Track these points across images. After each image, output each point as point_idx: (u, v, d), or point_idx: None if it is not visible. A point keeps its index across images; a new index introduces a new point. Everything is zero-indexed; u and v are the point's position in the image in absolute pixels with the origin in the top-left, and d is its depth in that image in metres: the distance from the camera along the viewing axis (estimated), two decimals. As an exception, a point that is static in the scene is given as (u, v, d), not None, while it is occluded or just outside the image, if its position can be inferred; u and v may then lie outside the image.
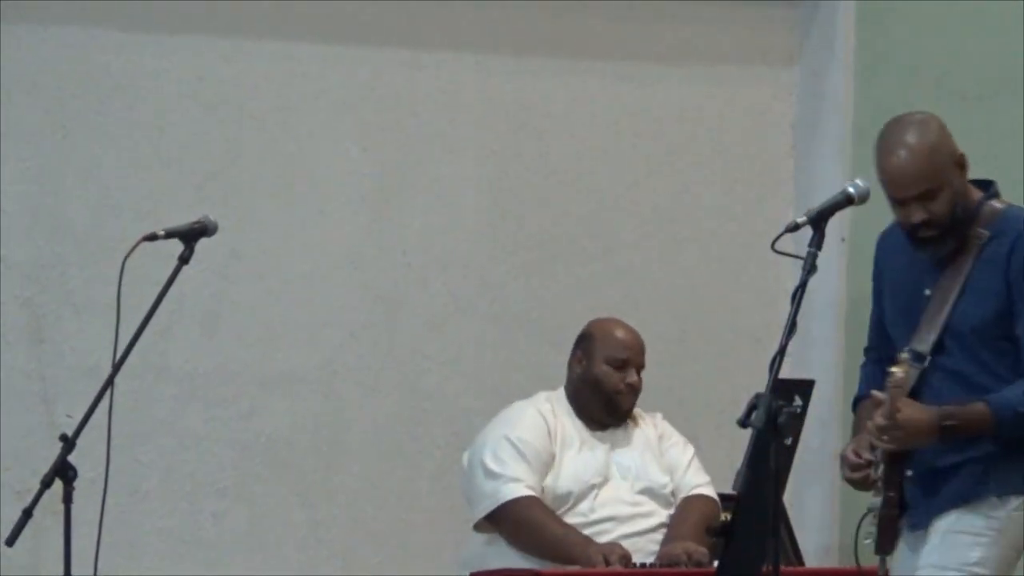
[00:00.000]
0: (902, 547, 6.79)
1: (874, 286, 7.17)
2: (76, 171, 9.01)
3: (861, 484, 6.82)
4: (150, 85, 9.17)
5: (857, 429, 6.94)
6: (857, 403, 7.03)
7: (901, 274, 7.05)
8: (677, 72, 10.86)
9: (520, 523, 8.03)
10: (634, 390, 8.37)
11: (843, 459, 6.94)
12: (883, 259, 7.17)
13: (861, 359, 7.23)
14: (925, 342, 6.80)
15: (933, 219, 6.66)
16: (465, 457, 8.24)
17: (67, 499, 6.50)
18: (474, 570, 8.05)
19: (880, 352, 7.03)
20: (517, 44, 10.17)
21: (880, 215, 7.77)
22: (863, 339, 8.82)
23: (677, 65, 10.89)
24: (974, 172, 7.11)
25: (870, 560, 7.05)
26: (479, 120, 10.05)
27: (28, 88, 8.87)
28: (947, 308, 6.83)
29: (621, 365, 8.37)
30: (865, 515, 6.72)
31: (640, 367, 8.43)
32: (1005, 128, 10.24)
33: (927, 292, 6.88)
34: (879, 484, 6.89)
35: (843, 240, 8.57)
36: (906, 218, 6.77)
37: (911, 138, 6.87)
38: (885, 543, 6.72)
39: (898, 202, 6.86)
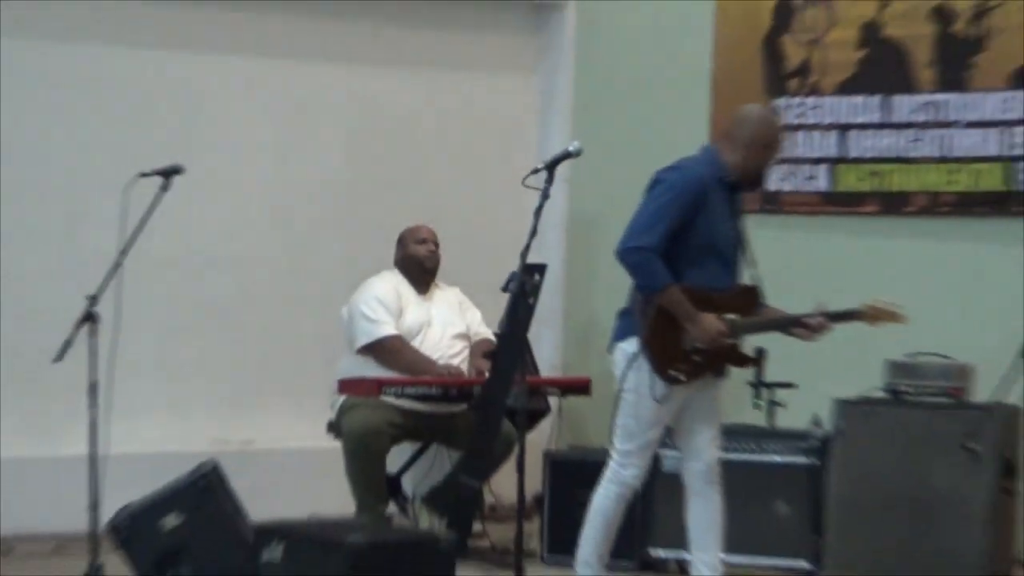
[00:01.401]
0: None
1: (686, 210, 8.31)
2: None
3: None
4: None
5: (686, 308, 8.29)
6: (668, 286, 8.27)
7: (716, 213, 8.47)
8: (451, 72, 12.98)
9: (390, 351, 10.50)
10: (433, 255, 10.88)
11: (718, 333, 8.26)
12: (701, 197, 8.39)
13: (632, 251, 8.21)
14: (741, 263, 8.65)
15: None
16: (344, 311, 10.70)
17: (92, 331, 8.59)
18: (344, 378, 10.47)
19: (662, 248, 8.23)
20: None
21: (589, 165, 10.47)
22: (577, 242, 12.09)
23: (452, 66, 12.96)
24: (671, 152, 8.86)
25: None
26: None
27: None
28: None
29: (422, 242, 10.86)
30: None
31: (435, 243, 10.91)
32: (691, 113, 12.13)
33: (736, 227, 8.63)
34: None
35: (539, 173, 8.49)
36: (764, 173, 8.81)
37: None
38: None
39: (773, 157, 8.81)
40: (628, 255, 8.36)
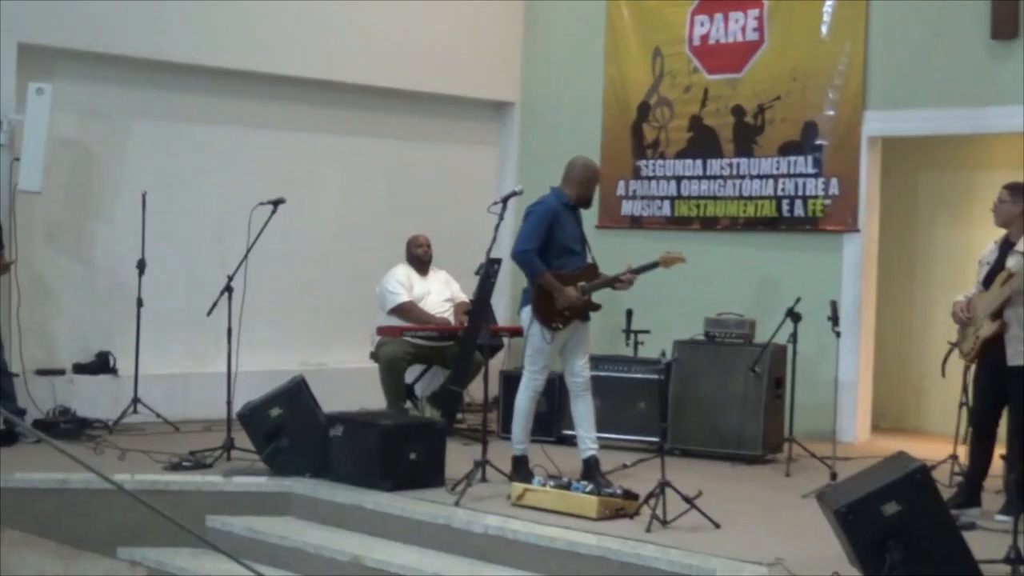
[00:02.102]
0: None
1: (549, 228, 8.32)
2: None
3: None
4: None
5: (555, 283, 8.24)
6: (543, 272, 8.26)
7: (565, 223, 8.45)
8: (446, 144, 12.84)
9: (407, 310, 10.46)
10: (427, 253, 10.77)
11: (575, 298, 8.29)
12: (556, 216, 8.38)
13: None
14: (587, 251, 8.58)
15: None
16: (377, 288, 10.62)
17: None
18: (380, 325, 10.47)
19: (537, 252, 8.34)
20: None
21: (528, 199, 9.45)
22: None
23: (448, 141, 12.83)
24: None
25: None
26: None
27: None
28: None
29: (419, 245, 10.77)
30: None
31: (428, 245, 10.79)
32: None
33: (577, 229, 8.55)
34: None
35: (498, 205, 8.62)
36: (591, 197, 8.67)
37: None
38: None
39: (593, 188, 8.65)
40: (518, 256, 8.48)
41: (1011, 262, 7.85)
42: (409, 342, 10.42)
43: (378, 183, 12.33)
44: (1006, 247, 7.99)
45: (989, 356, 7.91)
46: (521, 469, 8.49)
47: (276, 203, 9.54)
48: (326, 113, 11.94)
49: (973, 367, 8.20)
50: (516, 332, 10.75)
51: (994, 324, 7.79)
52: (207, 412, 10.20)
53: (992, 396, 8.01)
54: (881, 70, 10.75)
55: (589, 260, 8.67)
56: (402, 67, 12.14)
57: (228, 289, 9.15)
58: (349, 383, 10.91)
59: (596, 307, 8.66)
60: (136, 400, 10.20)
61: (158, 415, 10.24)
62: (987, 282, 7.99)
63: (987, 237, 8.45)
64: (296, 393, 8.69)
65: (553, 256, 8.45)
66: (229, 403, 9.07)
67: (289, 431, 8.58)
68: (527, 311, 8.47)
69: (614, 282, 8.62)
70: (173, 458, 8.84)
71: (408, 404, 10.53)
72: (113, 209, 10.74)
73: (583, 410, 8.59)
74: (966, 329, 8.08)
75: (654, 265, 8.76)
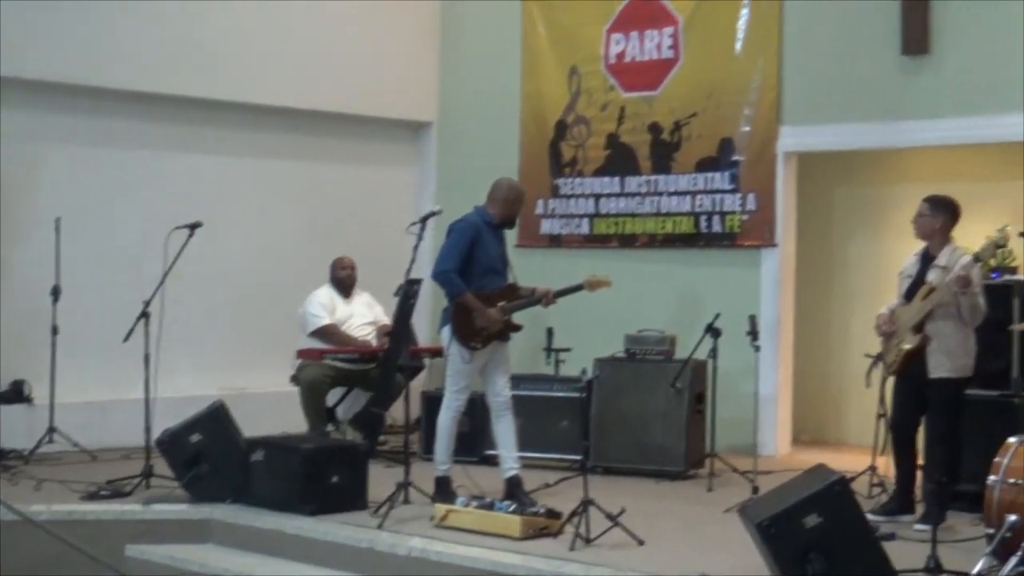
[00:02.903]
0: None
1: (469, 247, 8.32)
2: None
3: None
4: None
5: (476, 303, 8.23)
6: (463, 292, 8.25)
7: (487, 242, 8.45)
8: (366, 166, 12.82)
9: (328, 333, 10.39)
10: (351, 276, 10.68)
11: (495, 320, 8.30)
12: (477, 235, 8.40)
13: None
14: (508, 271, 8.58)
15: None
16: (299, 311, 10.54)
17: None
18: (301, 348, 10.38)
19: (460, 270, 8.33)
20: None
21: (447, 218, 9.42)
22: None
23: (367, 163, 12.82)
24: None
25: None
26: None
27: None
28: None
29: (343, 268, 10.68)
30: None
31: (352, 267, 10.69)
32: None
33: (499, 249, 8.56)
34: None
35: (417, 225, 8.75)
36: (514, 218, 8.72)
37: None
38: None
39: (517, 208, 8.70)
40: (438, 276, 8.48)
41: (933, 276, 7.97)
42: (330, 365, 10.35)
43: (297, 205, 12.28)
44: (927, 260, 8.11)
45: (910, 368, 8.03)
46: (444, 489, 8.47)
47: (193, 227, 9.46)
48: (243, 136, 11.90)
49: (890, 379, 8.31)
50: (437, 353, 10.67)
51: (917, 337, 7.92)
52: (125, 440, 10.04)
53: (911, 407, 8.14)
54: (795, 86, 10.86)
55: (510, 280, 8.65)
56: (319, 88, 12.11)
57: (144, 315, 9.07)
58: (270, 407, 10.82)
59: (516, 328, 8.66)
60: (52, 429, 10.07)
61: (75, 444, 10.11)
62: (909, 295, 8.10)
63: (902, 250, 8.59)
64: (216, 418, 8.63)
65: (474, 275, 8.43)
66: (147, 430, 8.95)
67: (209, 457, 8.50)
68: (447, 331, 8.45)
69: (537, 302, 8.64)
70: (91, 487, 8.72)
71: (330, 427, 10.45)
72: (27, 235, 10.61)
73: (505, 429, 8.58)
74: (889, 341, 8.19)
75: (578, 288, 8.84)
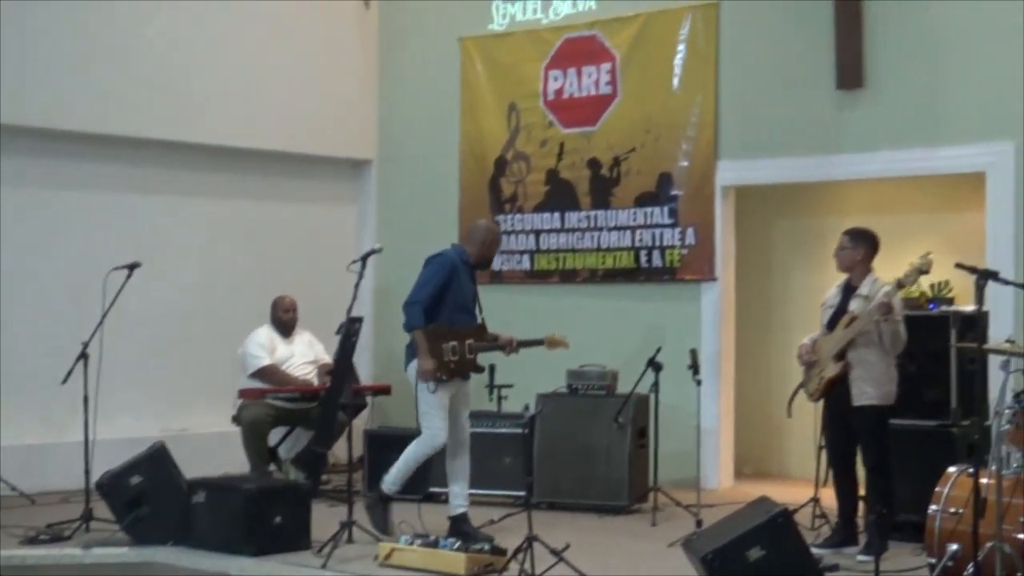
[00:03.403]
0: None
1: (444, 280, 8.42)
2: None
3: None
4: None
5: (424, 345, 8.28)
6: (416, 328, 8.32)
7: (462, 280, 8.54)
8: (306, 204, 12.77)
9: (268, 373, 10.32)
10: (291, 316, 10.67)
11: (430, 372, 8.29)
12: (453, 271, 8.49)
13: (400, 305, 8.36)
14: (478, 312, 8.66)
15: None
16: (239, 351, 10.48)
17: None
18: (242, 388, 10.29)
19: (430, 304, 8.41)
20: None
21: (387, 257, 10.26)
22: (380, 303, 11.98)
23: (307, 200, 12.76)
24: (435, 247, 8.85)
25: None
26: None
27: None
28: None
29: (284, 309, 10.68)
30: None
31: (294, 308, 10.69)
32: (446, 225, 12.20)
33: (473, 288, 8.68)
34: None
35: (357, 263, 8.73)
36: (490, 259, 8.90)
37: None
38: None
39: (494, 250, 8.85)
40: (407, 305, 8.48)
41: (854, 305, 8.12)
42: (271, 404, 10.29)
43: (237, 244, 12.20)
44: (848, 291, 8.27)
45: (833, 397, 8.18)
46: (382, 506, 8.57)
47: (131, 267, 9.41)
48: (183, 175, 11.83)
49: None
50: (380, 391, 10.89)
51: (838, 365, 8.06)
52: (65, 483, 9.90)
53: (842, 435, 8.25)
54: (732, 120, 10.94)
55: (479, 320, 8.75)
56: (258, 127, 12.07)
57: (83, 356, 8.97)
58: (212, 447, 10.76)
59: (479, 369, 8.76)
60: (-10, 473, 9.96)
61: (13, 488, 10.00)
62: (831, 325, 8.24)
63: (838, 280, 8.61)
64: (156, 460, 8.54)
65: (446, 311, 8.51)
66: (87, 473, 8.86)
67: (150, 499, 8.40)
68: (412, 367, 8.47)
69: (501, 347, 8.74)
70: (30, 531, 8.60)
71: (272, 467, 10.38)
72: (-36, 276, 10.52)
73: (461, 466, 8.61)
74: (811, 370, 8.31)
75: (538, 342, 8.90)
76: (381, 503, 8.59)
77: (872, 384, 8.02)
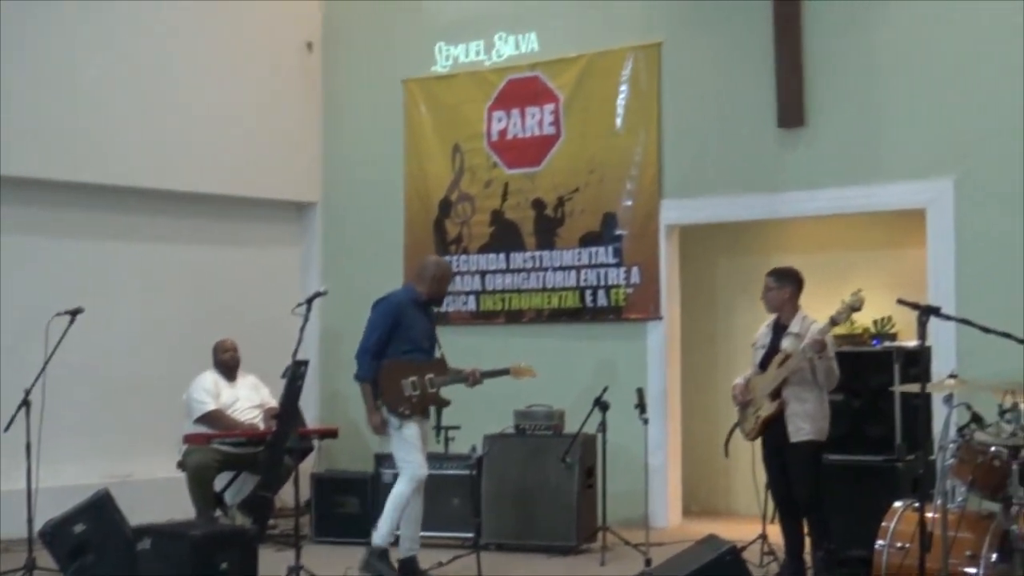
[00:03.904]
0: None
1: (390, 323, 8.59)
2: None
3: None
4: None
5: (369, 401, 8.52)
6: (364, 381, 8.54)
7: (414, 318, 8.69)
8: (249, 247, 12.70)
9: (214, 418, 10.31)
10: (234, 359, 10.67)
11: (376, 427, 8.57)
12: (401, 311, 8.65)
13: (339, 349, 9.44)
14: (435, 348, 8.79)
15: None
16: (184, 396, 10.47)
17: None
18: (187, 433, 10.27)
19: (380, 352, 8.58)
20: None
21: (332, 299, 10.39)
22: (326, 346, 12.02)
23: (250, 244, 12.71)
24: (380, 290, 9.26)
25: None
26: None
27: None
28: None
29: (226, 351, 10.70)
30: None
31: (236, 350, 10.69)
32: (392, 267, 12.23)
33: (427, 325, 8.79)
34: None
35: (302, 306, 8.66)
36: (443, 295, 9.04)
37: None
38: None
39: (445, 286, 9.02)
40: (357, 356, 8.67)
41: (787, 343, 8.23)
42: (217, 449, 10.21)
43: (181, 288, 12.13)
44: (779, 329, 8.39)
45: (769, 435, 8.25)
46: (384, 562, 8.54)
47: (74, 313, 9.23)
48: (125, 219, 11.75)
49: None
50: (326, 434, 10.77)
51: (774, 404, 8.13)
52: (7, 532, 9.80)
53: (780, 472, 8.29)
54: (675, 160, 11.02)
55: (438, 356, 8.81)
56: (201, 170, 12.00)
57: (25, 403, 8.76)
58: (157, 494, 10.62)
59: (444, 402, 8.78)
60: (-68, 523, 9.81)
61: (-46, 538, 9.86)
62: (763, 364, 8.34)
63: (786, 318, 8.69)
64: (100, 507, 8.41)
65: (399, 352, 8.58)
66: (30, 521, 8.60)
67: (94, 547, 8.27)
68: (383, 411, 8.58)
69: (463, 380, 8.80)
70: (-29, 582, 8.48)
71: (218, 512, 10.29)
72: (-99, 325, 10.36)
73: (413, 508, 8.62)
74: (746, 410, 8.38)
75: (504, 372, 8.99)
76: (380, 559, 8.55)
77: (807, 420, 8.09)
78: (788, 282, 8.43)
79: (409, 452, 8.53)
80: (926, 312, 6.62)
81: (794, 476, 8.15)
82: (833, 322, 7.97)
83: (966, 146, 9.64)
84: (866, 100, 10.12)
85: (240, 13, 12.37)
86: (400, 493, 8.56)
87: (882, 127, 10.03)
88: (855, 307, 7.92)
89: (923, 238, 9.94)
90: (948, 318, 7.00)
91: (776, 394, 8.14)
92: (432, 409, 8.82)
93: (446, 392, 8.82)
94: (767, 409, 8.15)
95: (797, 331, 8.22)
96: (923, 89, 9.87)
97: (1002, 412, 6.96)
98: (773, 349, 8.32)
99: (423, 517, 8.82)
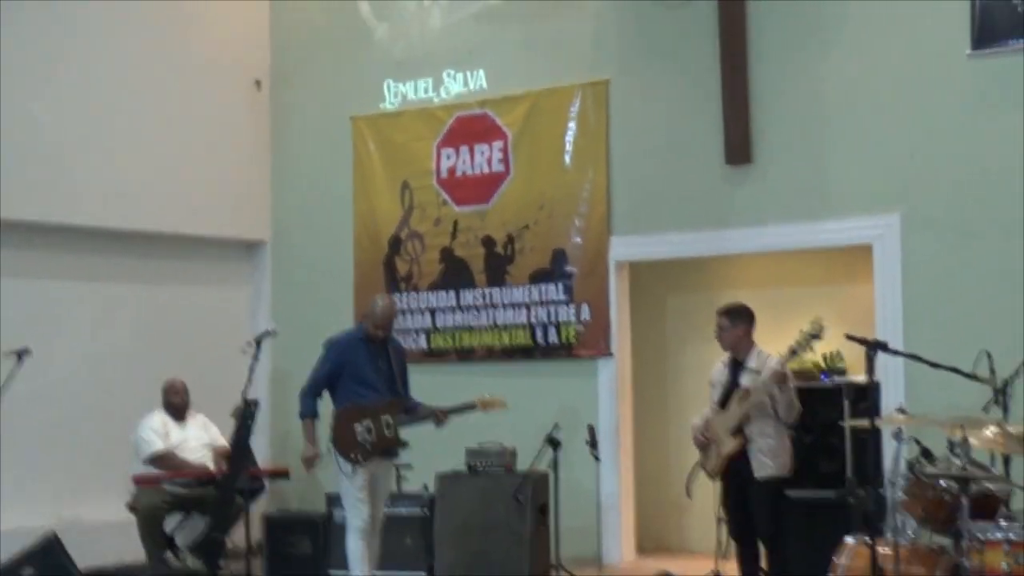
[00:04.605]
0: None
1: (335, 362, 8.72)
2: None
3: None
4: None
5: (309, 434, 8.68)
6: (305, 417, 8.73)
7: (364, 357, 8.75)
8: (197, 286, 12.67)
9: (162, 458, 10.23)
10: (182, 400, 10.59)
11: (308, 460, 8.67)
12: (347, 350, 8.76)
13: (298, 391, 8.84)
14: (397, 386, 8.85)
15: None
16: (132, 436, 10.38)
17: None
18: (136, 474, 10.18)
19: (319, 391, 8.77)
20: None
21: (282, 339, 10.78)
22: (277, 385, 11.99)
23: (198, 282, 12.69)
24: (330, 329, 9.75)
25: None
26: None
27: None
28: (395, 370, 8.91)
29: (175, 392, 10.62)
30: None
31: (184, 391, 10.62)
32: (342, 305, 12.23)
33: (381, 364, 8.82)
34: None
35: (252, 345, 9.19)
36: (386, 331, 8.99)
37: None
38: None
39: (388, 324, 8.97)
40: (300, 394, 8.83)
41: (745, 380, 8.28)
42: (167, 490, 10.14)
43: (129, 328, 12.04)
44: (735, 366, 8.43)
45: (732, 471, 8.28)
46: None
47: (20, 353, 9.27)
48: (72, 259, 11.66)
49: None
50: (277, 474, 10.76)
51: (736, 441, 8.18)
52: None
53: (742, 508, 8.32)
54: (624, 196, 11.07)
55: (395, 395, 8.85)
56: (149, 209, 11.93)
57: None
58: (107, 536, 10.54)
59: (402, 444, 8.82)
60: None
61: (-102, 585, 9.74)
62: (723, 402, 8.37)
63: (737, 354, 8.74)
64: (48, 551, 8.45)
65: (348, 392, 8.69)
66: (-26, 568, 8.68)
67: (42, 593, 8.29)
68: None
69: (427, 417, 8.87)
70: (-83, 629, 8.42)
71: (169, 554, 10.19)
72: None
73: (372, 548, 8.68)
74: (707, 449, 8.41)
75: (470, 407, 9.06)
76: None
77: (770, 456, 8.16)
78: (741, 320, 8.51)
79: (353, 503, 8.61)
80: (874, 347, 6.72)
81: (758, 512, 8.19)
82: (793, 352, 8.04)
83: (912, 181, 9.73)
84: (812, 136, 10.20)
85: (188, 51, 12.36)
86: (351, 549, 8.66)
87: (828, 163, 10.11)
88: (814, 335, 7.97)
89: (870, 273, 10.01)
90: (896, 353, 7.11)
91: (738, 430, 8.18)
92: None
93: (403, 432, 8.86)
94: (729, 446, 8.19)
95: (754, 367, 8.28)
96: (868, 125, 9.96)
97: (951, 446, 6.93)
98: (731, 386, 8.36)
99: (379, 555, 8.83)
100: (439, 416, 8.90)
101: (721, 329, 8.53)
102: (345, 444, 8.52)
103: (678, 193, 10.80)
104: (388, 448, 8.72)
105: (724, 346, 8.54)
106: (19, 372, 9.24)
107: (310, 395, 8.77)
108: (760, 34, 10.34)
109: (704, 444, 8.43)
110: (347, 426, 8.50)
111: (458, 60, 11.94)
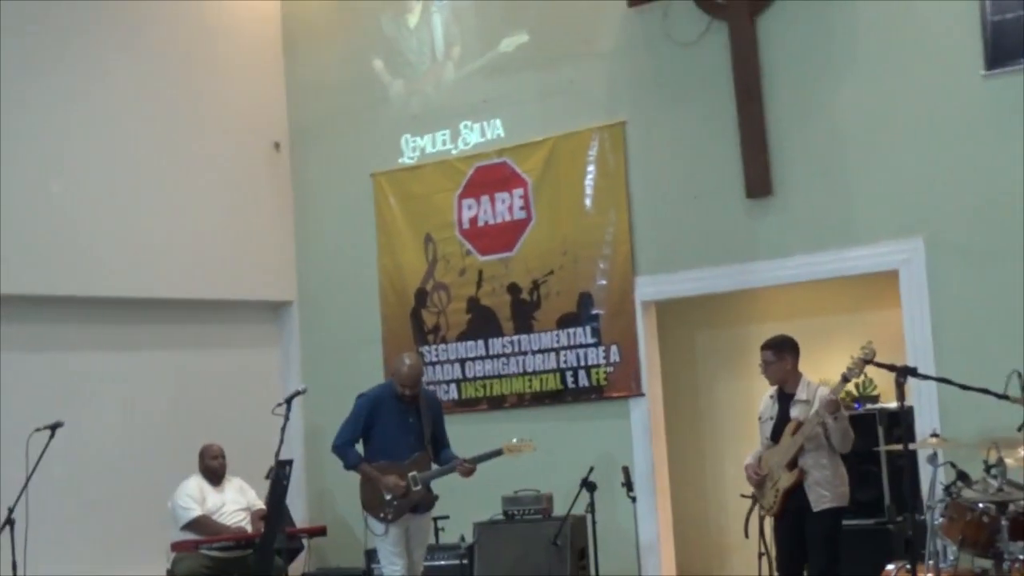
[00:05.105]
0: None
1: (365, 417, 8.92)
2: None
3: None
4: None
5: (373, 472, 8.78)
6: (358, 463, 8.93)
7: (393, 413, 8.93)
8: (229, 349, 12.66)
9: (200, 524, 10.23)
10: (220, 464, 10.62)
11: (395, 486, 8.66)
12: (377, 407, 8.94)
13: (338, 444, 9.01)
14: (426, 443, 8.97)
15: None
16: (169, 503, 10.41)
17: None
18: (174, 541, 10.22)
19: (355, 442, 8.97)
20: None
21: (313, 397, 10.82)
22: (310, 444, 11.97)
23: (230, 346, 12.67)
24: (362, 385, 9.81)
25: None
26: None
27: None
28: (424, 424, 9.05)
29: (213, 457, 10.64)
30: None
31: (222, 455, 10.66)
32: (371, 362, 12.27)
33: (411, 420, 9.00)
34: None
35: (283, 406, 8.94)
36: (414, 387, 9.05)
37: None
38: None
39: (416, 381, 9.05)
40: (335, 448, 9.04)
41: (797, 411, 8.20)
42: (206, 555, 10.12)
43: (160, 395, 12.00)
44: (784, 399, 8.34)
45: (789, 505, 8.18)
46: None
47: (54, 427, 9.25)
48: (100, 329, 11.64)
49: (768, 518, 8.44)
50: (315, 532, 10.75)
51: (793, 474, 8.08)
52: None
53: (796, 544, 8.24)
54: (646, 236, 11.04)
55: (423, 450, 8.94)
56: (173, 276, 11.93)
57: (10, 521, 8.76)
58: (148, 602, 10.49)
59: (431, 499, 8.92)
60: (-85, 647, 9.64)
61: (-59, 661, 9.69)
62: (775, 436, 8.27)
63: (765, 387, 8.71)
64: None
65: (377, 449, 8.82)
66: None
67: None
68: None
69: (454, 470, 8.88)
70: None
71: (211, 619, 10.21)
72: None
73: None
74: (763, 486, 8.31)
75: (497, 453, 9.08)
76: None
77: (828, 487, 8.09)
78: (787, 351, 8.45)
79: (388, 557, 8.73)
80: (903, 373, 6.71)
81: (815, 545, 8.11)
82: (845, 379, 7.96)
83: (934, 204, 9.66)
84: (831, 164, 10.16)
85: (206, 117, 12.40)
86: None
87: (849, 190, 10.06)
88: (867, 359, 7.83)
89: (897, 298, 9.95)
90: (924, 377, 7.08)
91: (793, 463, 8.09)
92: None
93: (435, 486, 8.86)
94: (786, 480, 8.10)
95: (805, 398, 8.22)
96: (886, 149, 9.91)
97: (987, 468, 6.93)
98: (782, 419, 8.27)
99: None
100: (464, 466, 8.90)
101: (767, 363, 8.46)
102: (373, 504, 8.58)
103: (700, 229, 10.77)
104: (418, 504, 8.71)
105: (772, 380, 8.47)
106: (53, 444, 9.21)
107: (349, 445, 8.97)
108: (773, 65, 10.33)
109: (759, 482, 8.34)
110: (372, 486, 8.56)
111: (474, 111, 11.97)
